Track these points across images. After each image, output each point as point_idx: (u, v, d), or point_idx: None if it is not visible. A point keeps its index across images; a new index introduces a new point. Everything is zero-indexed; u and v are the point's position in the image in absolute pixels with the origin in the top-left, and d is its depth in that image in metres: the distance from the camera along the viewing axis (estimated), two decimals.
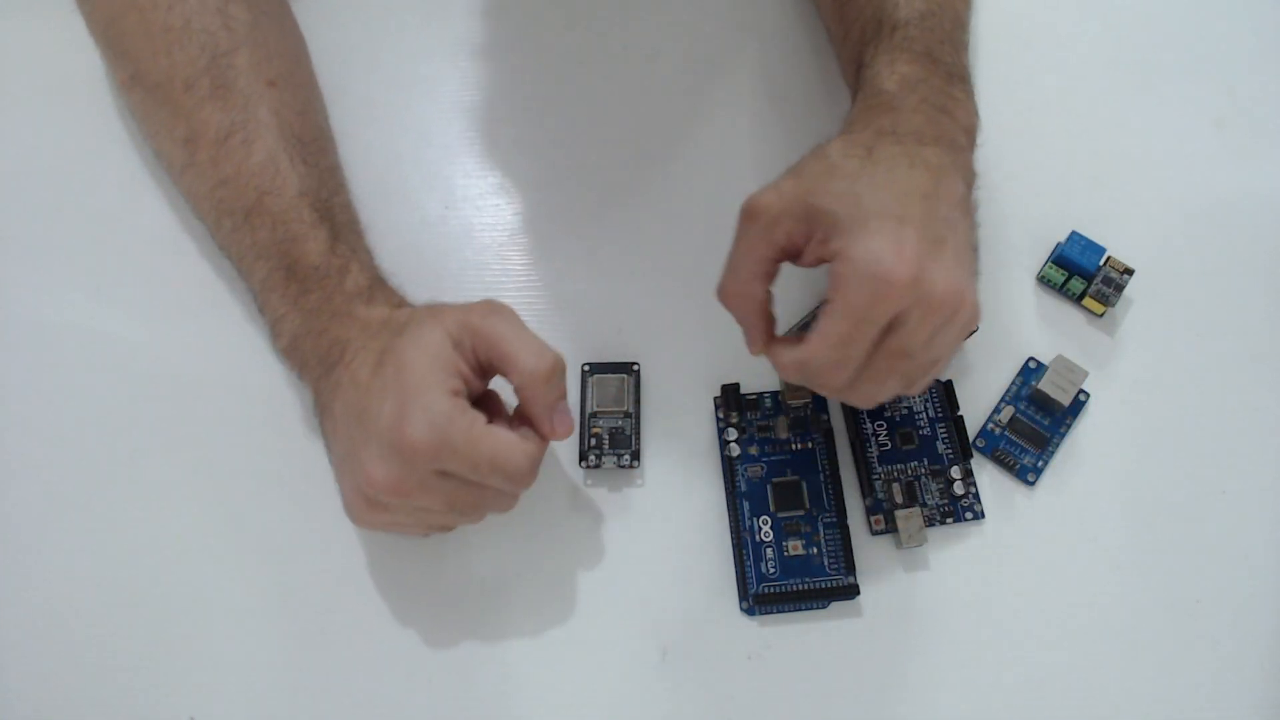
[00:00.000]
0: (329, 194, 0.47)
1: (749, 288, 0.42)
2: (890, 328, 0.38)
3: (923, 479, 0.47)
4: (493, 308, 0.41)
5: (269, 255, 0.45)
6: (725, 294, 0.43)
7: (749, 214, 0.41)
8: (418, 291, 0.51)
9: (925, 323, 0.38)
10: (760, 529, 0.46)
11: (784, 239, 0.40)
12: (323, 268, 0.44)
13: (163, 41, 0.46)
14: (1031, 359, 0.50)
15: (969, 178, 0.43)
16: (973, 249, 0.41)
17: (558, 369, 0.41)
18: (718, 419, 0.49)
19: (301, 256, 0.44)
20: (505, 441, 0.39)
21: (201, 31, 0.46)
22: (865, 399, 0.42)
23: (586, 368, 0.49)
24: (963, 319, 0.39)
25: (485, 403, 0.43)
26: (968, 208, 0.42)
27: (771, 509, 0.46)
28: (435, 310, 0.42)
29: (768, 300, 0.42)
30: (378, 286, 0.45)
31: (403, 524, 0.42)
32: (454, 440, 0.38)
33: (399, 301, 0.44)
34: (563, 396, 0.42)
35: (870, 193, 0.38)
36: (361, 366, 0.41)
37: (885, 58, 0.44)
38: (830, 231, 0.39)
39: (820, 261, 0.40)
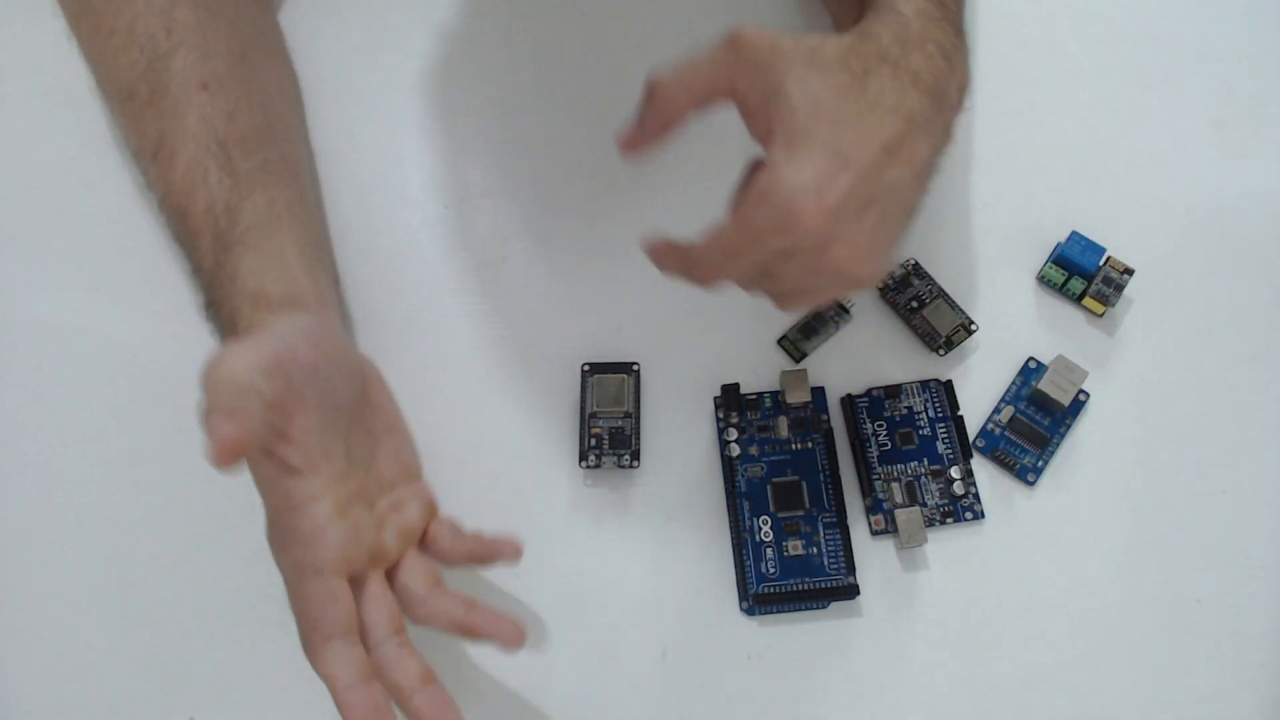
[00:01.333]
0: (240, 198, 0.44)
1: (679, 92, 0.39)
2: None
3: (923, 479, 0.47)
4: None
5: (192, 286, 0.45)
6: (657, 80, 0.39)
7: (730, 40, 0.38)
8: (418, 292, 0.51)
9: (808, 272, 0.38)
10: (760, 529, 0.46)
11: (741, 81, 0.38)
12: (208, 302, 0.43)
13: (110, 46, 0.46)
14: (1031, 359, 0.50)
15: (942, 141, 0.39)
16: (906, 216, 0.39)
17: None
18: (718, 419, 0.49)
19: (199, 289, 0.44)
20: (296, 603, 0.39)
21: (143, 35, 0.45)
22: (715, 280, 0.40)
23: (586, 368, 0.49)
24: (844, 287, 0.41)
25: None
26: (924, 173, 0.39)
27: (771, 509, 0.46)
28: None
29: (679, 117, 0.40)
30: (230, 329, 0.42)
31: None
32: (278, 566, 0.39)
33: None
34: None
35: (834, 114, 0.36)
36: None
37: None
38: (775, 119, 0.37)
39: (752, 134, 0.39)
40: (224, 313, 0.42)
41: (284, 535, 0.38)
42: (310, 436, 0.38)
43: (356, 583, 0.40)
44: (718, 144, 0.55)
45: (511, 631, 0.40)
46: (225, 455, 0.33)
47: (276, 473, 0.38)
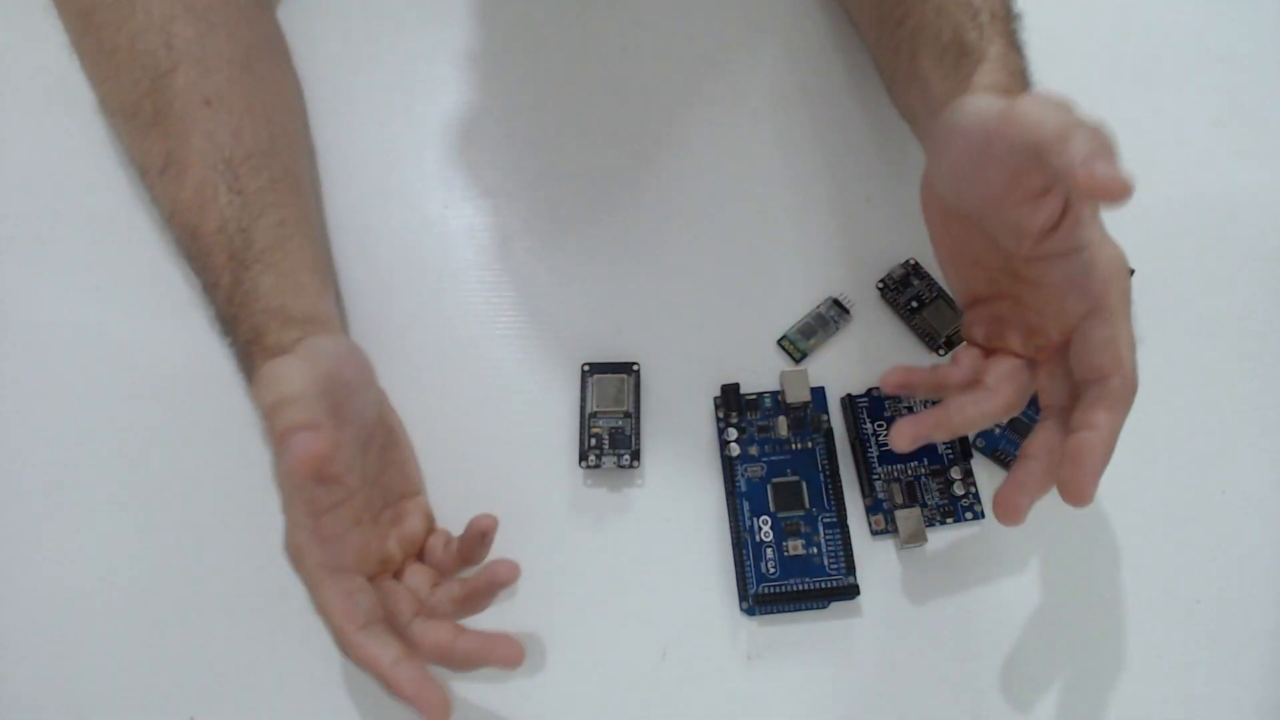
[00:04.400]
0: (251, 219, 0.44)
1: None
2: None
3: (923, 479, 0.47)
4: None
5: (205, 300, 0.45)
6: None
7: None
8: (418, 292, 0.51)
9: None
10: (760, 529, 0.46)
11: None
12: (224, 317, 0.44)
13: (111, 65, 0.46)
14: None
15: None
16: None
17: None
18: (718, 419, 0.49)
19: (214, 304, 0.44)
20: (326, 600, 0.39)
21: (144, 52, 0.45)
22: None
23: (586, 368, 0.49)
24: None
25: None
26: None
27: (771, 509, 0.46)
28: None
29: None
30: (256, 344, 0.42)
31: None
32: (299, 570, 0.39)
33: (279, 351, 0.42)
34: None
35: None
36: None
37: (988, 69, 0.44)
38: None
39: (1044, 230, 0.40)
40: (243, 328, 0.43)
41: (307, 539, 0.39)
42: (346, 450, 0.40)
43: (371, 583, 0.41)
44: (715, 144, 0.55)
45: (507, 650, 0.39)
46: (312, 469, 0.36)
47: (306, 481, 0.39)
